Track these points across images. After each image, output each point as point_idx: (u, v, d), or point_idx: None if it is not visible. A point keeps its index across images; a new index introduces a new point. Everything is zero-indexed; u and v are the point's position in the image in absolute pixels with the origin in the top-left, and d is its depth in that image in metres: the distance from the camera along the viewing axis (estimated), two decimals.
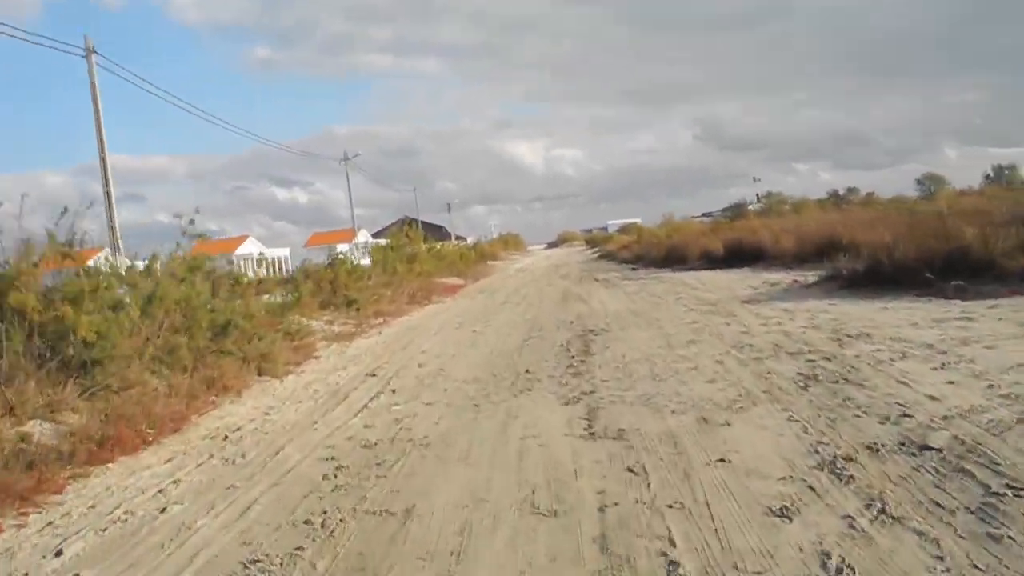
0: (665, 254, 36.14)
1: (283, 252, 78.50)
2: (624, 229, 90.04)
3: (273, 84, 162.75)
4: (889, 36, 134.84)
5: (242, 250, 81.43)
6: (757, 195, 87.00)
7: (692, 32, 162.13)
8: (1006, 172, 64.15)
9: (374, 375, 12.19)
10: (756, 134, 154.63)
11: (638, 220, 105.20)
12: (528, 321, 18.02)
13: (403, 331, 18.82)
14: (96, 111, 24.63)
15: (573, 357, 11.90)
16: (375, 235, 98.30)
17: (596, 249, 72.78)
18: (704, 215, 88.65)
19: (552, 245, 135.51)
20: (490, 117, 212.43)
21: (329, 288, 21.08)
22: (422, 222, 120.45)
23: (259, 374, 12.08)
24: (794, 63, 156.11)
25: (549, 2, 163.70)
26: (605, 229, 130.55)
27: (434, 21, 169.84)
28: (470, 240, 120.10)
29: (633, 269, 36.20)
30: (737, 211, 65.61)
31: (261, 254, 68.12)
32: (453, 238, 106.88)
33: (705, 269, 29.57)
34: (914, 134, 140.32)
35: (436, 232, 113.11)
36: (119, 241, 26.40)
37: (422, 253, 33.86)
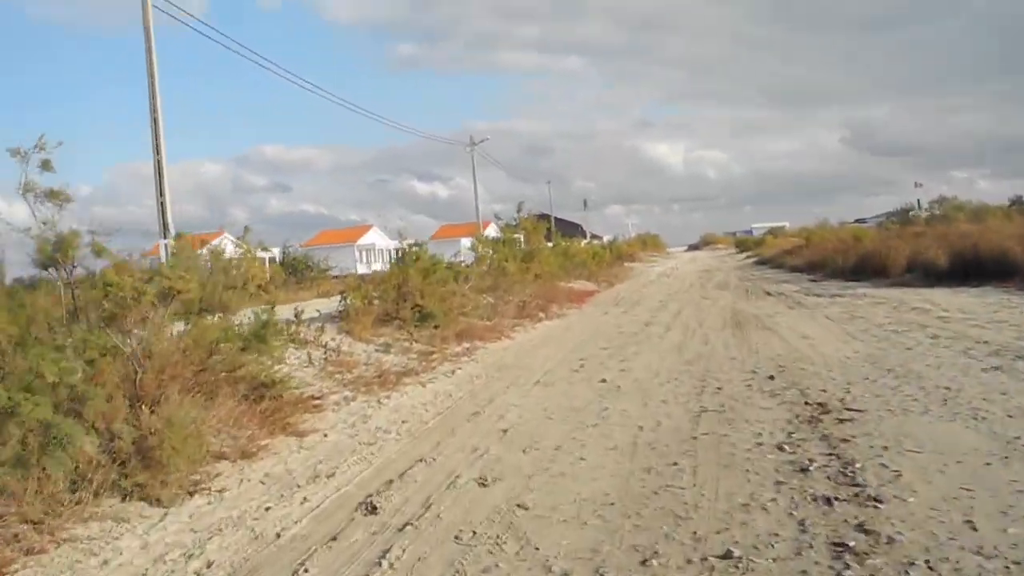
0: (856, 262, 28.09)
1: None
2: (774, 232, 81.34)
3: (417, 81, 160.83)
4: None
5: (364, 240, 77.61)
6: (918, 201, 78.60)
7: (839, 32, 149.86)
8: None
9: (372, 511, 5.59)
10: (907, 139, 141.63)
11: (786, 224, 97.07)
12: (691, 365, 11.13)
13: (489, 370, 12.20)
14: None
15: (831, 506, 4.95)
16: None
17: (749, 253, 64.40)
18: (857, 221, 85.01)
19: (694, 247, 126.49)
20: (630, 117, 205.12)
21: (395, 295, 14.71)
22: (557, 219, 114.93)
23: None
24: (947, 66, 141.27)
25: (692, 0, 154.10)
26: (750, 232, 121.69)
27: (578, 19, 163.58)
28: (605, 239, 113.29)
29: (813, 281, 28.33)
30: (904, 217, 58.94)
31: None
32: (588, 236, 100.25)
33: (922, 285, 21.72)
34: None
35: (571, 229, 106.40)
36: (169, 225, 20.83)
37: (543, 250, 27.27)
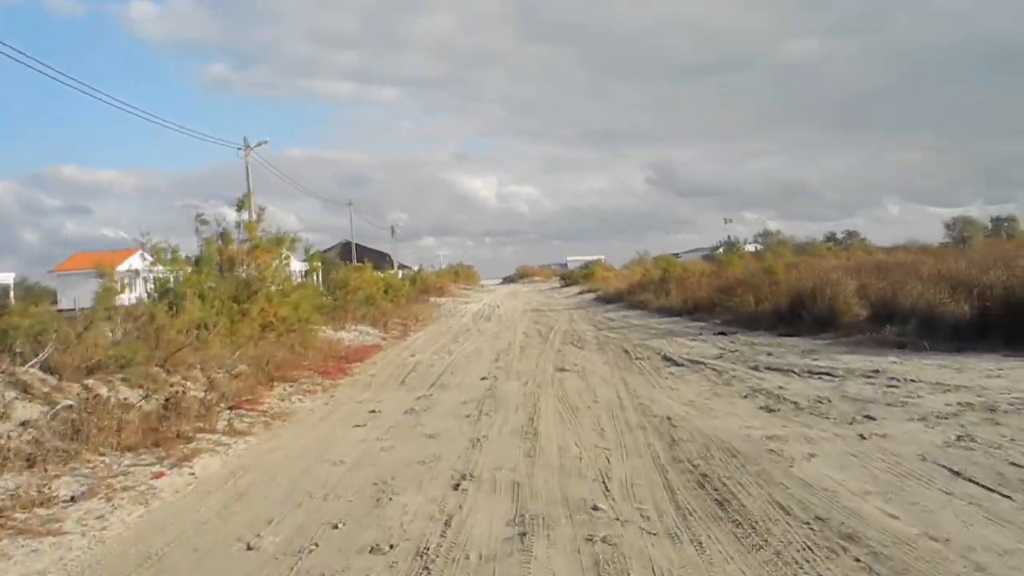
0: (787, 306, 18.46)
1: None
2: (590, 266, 73.78)
3: (231, 106, 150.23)
4: (842, 92, 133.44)
5: (127, 265, 64.53)
6: (728, 237, 76.50)
7: (650, 79, 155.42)
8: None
9: None
10: (707, 181, 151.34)
11: (602, 257, 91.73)
12: None
13: None
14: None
15: None
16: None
17: (579, 288, 55.09)
18: (673, 255, 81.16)
19: (509, 280, 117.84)
20: (446, 149, 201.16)
21: None
22: (365, 248, 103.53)
23: None
24: (748, 114, 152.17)
25: (513, 40, 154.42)
26: (564, 265, 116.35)
27: (397, 51, 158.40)
28: (415, 269, 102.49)
29: (722, 334, 18.18)
30: (728, 251, 56.90)
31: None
32: (396, 266, 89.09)
33: (943, 349, 12.11)
34: (859, 189, 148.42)
35: (379, 259, 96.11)
36: None
37: (268, 283, 15.34)
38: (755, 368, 12.30)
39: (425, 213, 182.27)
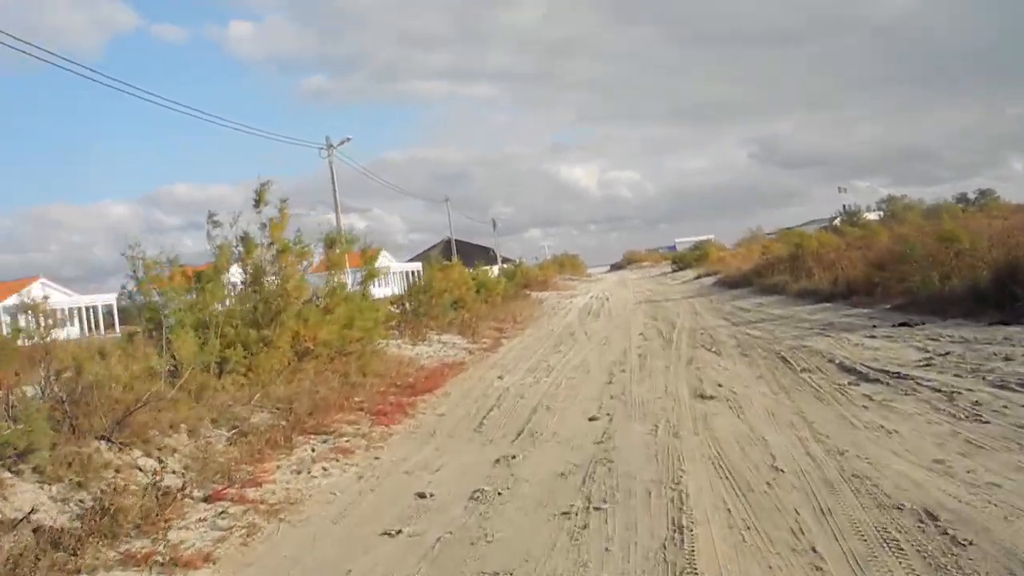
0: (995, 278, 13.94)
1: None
2: (700, 246, 68.83)
3: (328, 113, 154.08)
4: (946, 49, 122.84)
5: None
6: (844, 206, 68.70)
7: (741, 49, 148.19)
8: None
9: None
10: (812, 151, 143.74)
11: (711, 237, 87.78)
12: None
13: None
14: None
15: None
16: (412, 259, 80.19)
17: (694, 271, 50.47)
18: (772, 233, 76.02)
19: (616, 267, 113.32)
20: (543, 141, 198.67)
21: None
22: (467, 243, 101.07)
23: None
24: (848, 79, 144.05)
25: (597, 24, 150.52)
26: (673, 248, 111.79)
27: (485, 47, 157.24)
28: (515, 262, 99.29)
29: (902, 325, 13.75)
30: (850, 220, 54.66)
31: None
32: (499, 261, 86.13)
33: None
34: (977, 148, 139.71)
35: (483, 254, 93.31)
36: None
37: (294, 298, 11.78)
38: (1002, 385, 8.07)
39: (528, 206, 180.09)
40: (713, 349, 14.04)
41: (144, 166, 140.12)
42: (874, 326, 14.17)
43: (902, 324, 13.81)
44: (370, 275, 15.40)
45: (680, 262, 61.18)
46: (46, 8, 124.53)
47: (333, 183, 49.98)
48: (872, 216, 60.56)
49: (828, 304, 19.08)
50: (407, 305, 24.15)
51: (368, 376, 12.88)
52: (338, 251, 15.31)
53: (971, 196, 68.53)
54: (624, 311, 26.32)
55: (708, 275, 41.32)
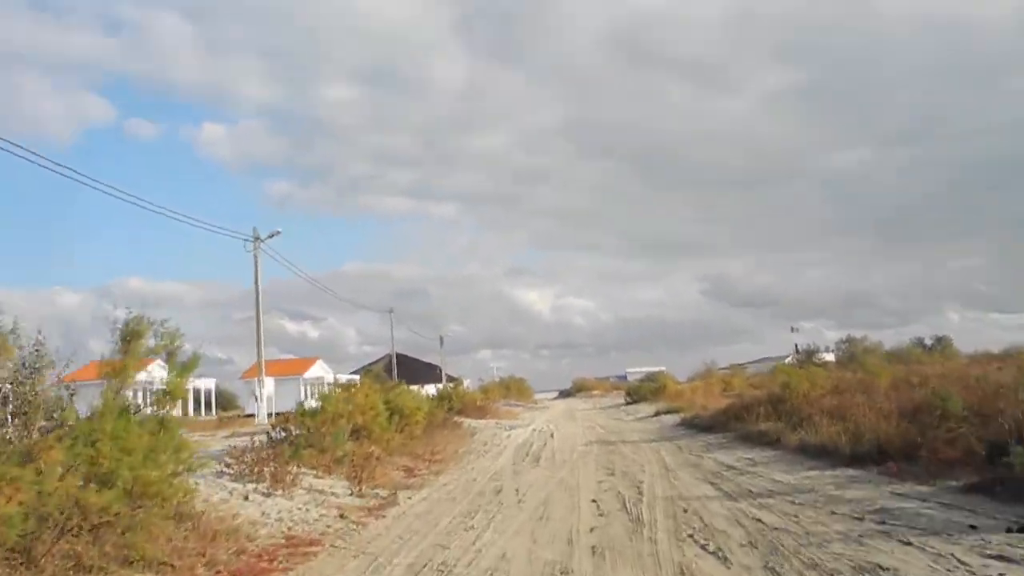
0: None
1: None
2: (653, 377, 64.31)
3: (293, 221, 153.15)
4: (894, 201, 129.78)
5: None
6: (797, 346, 69.74)
7: (703, 190, 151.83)
8: None
9: None
10: (762, 291, 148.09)
11: (663, 368, 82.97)
12: None
13: None
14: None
15: None
16: (355, 372, 75.01)
17: (644, 405, 45.04)
18: (727, 367, 73.35)
19: (565, 394, 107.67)
20: (501, 263, 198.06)
21: None
22: (412, 359, 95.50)
23: None
24: (800, 224, 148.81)
25: (564, 156, 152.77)
26: (624, 377, 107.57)
27: (452, 169, 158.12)
28: (466, 383, 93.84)
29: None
30: (808, 359, 52.90)
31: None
32: (444, 379, 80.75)
33: None
34: (917, 297, 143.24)
35: (428, 372, 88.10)
36: None
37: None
38: None
39: (481, 326, 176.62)
40: (713, 550, 8.57)
41: (100, 257, 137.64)
42: (972, 526, 8.81)
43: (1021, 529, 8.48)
44: (170, 392, 9.66)
45: (635, 394, 55.83)
46: (24, 94, 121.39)
47: (256, 279, 44.53)
48: (828, 356, 57.06)
49: (853, 471, 13.72)
50: (285, 432, 18.35)
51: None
52: (134, 349, 9.72)
53: (927, 342, 65.90)
54: (571, 456, 20.69)
55: (667, 412, 35.90)
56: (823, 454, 15.69)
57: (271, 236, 42.99)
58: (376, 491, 14.62)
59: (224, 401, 71.42)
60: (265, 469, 14.16)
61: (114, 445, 8.25)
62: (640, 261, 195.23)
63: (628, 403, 53.91)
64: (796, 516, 10.25)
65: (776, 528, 9.58)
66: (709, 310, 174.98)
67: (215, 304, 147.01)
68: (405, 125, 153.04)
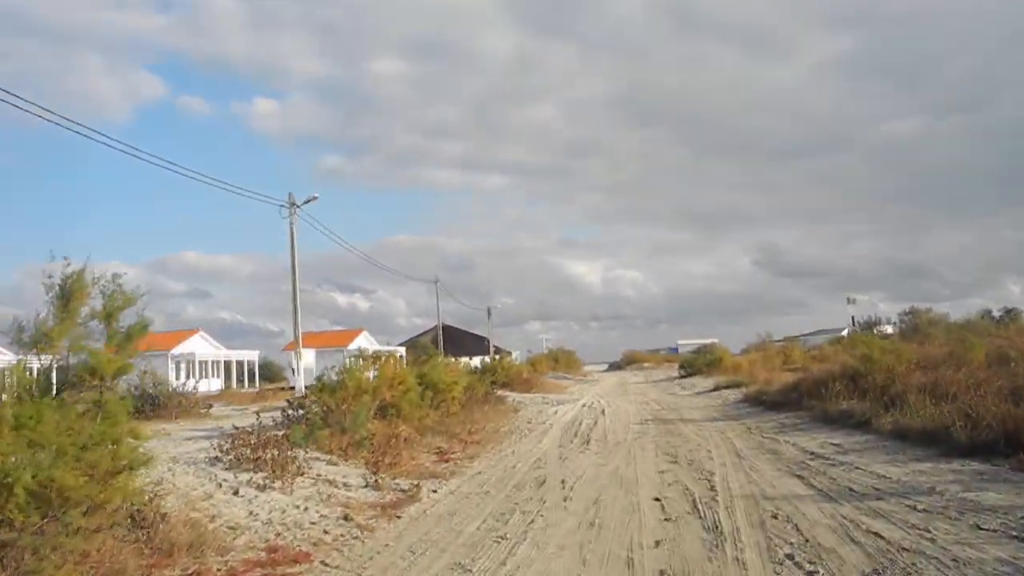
0: None
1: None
2: (706, 350, 61.36)
3: (342, 194, 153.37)
4: (947, 171, 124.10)
5: (183, 348, 59.46)
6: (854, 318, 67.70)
7: (751, 159, 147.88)
8: None
9: None
10: (813, 263, 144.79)
11: (715, 340, 79.47)
12: None
13: None
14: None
15: None
16: (403, 344, 74.85)
17: (707, 378, 42.39)
18: (785, 339, 70.53)
19: (615, 366, 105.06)
20: (550, 235, 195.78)
21: None
22: (459, 331, 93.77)
23: None
24: (849, 195, 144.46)
25: (612, 126, 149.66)
26: (675, 350, 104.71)
27: (501, 141, 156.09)
28: (515, 355, 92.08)
29: None
30: (868, 330, 52.13)
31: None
32: (491, 350, 78.74)
33: None
34: (975, 268, 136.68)
35: (477, 343, 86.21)
36: None
37: None
38: None
39: (530, 298, 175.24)
40: None
41: (155, 232, 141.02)
42: None
43: None
44: (96, 369, 7.42)
45: (689, 367, 53.08)
46: (78, 72, 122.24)
47: (292, 245, 42.43)
48: (888, 329, 53.90)
49: (977, 464, 11.13)
50: (302, 409, 16.30)
51: None
52: (71, 312, 7.58)
53: (996, 314, 62.22)
54: (626, 437, 18.35)
55: (728, 386, 33.26)
56: (929, 441, 13.08)
57: (308, 201, 40.82)
58: (397, 481, 12.46)
59: (271, 373, 70.62)
60: (267, 454, 12.09)
61: (16, 438, 6.13)
62: (690, 232, 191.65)
63: (682, 376, 51.24)
64: (927, 530, 7.80)
65: (906, 548, 7.16)
66: (760, 281, 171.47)
67: (266, 276, 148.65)
68: (454, 98, 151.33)
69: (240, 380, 62.10)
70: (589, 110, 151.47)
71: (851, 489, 10.22)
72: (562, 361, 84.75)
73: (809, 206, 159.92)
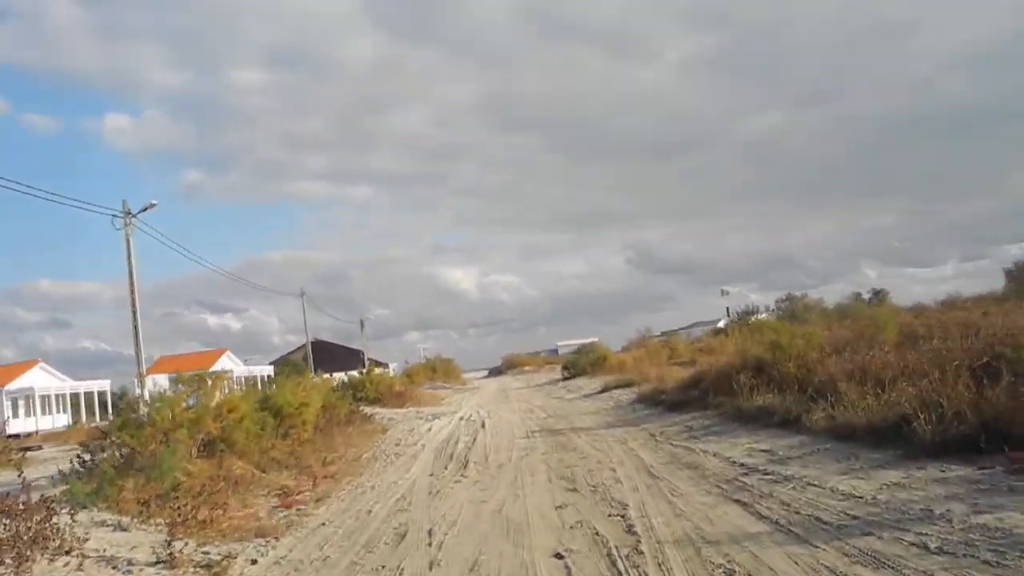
0: None
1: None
2: (585, 350, 59.63)
3: (207, 210, 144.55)
4: (807, 163, 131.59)
5: (20, 383, 53.00)
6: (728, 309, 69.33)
7: (623, 160, 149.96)
8: None
9: None
10: (685, 258, 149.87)
11: (595, 339, 78.12)
12: None
13: None
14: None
15: None
16: (273, 363, 72.21)
17: (593, 379, 39.95)
18: (663, 335, 72.69)
19: (495, 372, 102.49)
20: (423, 243, 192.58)
21: None
22: (337, 345, 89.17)
23: None
24: (717, 191, 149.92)
25: (481, 131, 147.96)
26: (555, 351, 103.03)
27: (367, 150, 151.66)
28: (391, 367, 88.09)
29: None
30: (744, 320, 50.46)
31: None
32: (365, 364, 74.56)
33: None
34: (835, 256, 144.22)
35: (352, 357, 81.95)
36: None
37: None
38: None
39: (407, 308, 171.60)
40: None
41: (5, 259, 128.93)
42: None
43: None
44: None
45: (572, 368, 50.73)
46: None
47: (129, 259, 37.37)
48: (763, 317, 53.52)
49: (962, 469, 8.64)
50: (96, 456, 12.57)
51: None
52: None
53: (865, 296, 63.32)
54: (511, 456, 15.32)
55: (618, 386, 30.86)
56: (880, 441, 10.62)
57: (144, 210, 35.98)
58: (206, 550, 9.04)
59: (131, 404, 64.44)
60: (7, 532, 8.42)
61: None
62: (564, 234, 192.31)
63: (566, 378, 48.85)
64: None
65: None
66: (634, 280, 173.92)
67: (128, 302, 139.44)
68: (318, 108, 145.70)
69: (92, 413, 55.83)
70: (457, 115, 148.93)
71: (819, 519, 7.51)
72: (440, 370, 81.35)
73: (680, 203, 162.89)
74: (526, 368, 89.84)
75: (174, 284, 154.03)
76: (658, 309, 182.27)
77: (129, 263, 36.43)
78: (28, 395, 51.65)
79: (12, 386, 51.19)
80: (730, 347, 31.22)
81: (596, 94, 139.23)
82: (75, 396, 56.74)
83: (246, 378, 58.71)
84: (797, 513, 7.87)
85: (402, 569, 7.50)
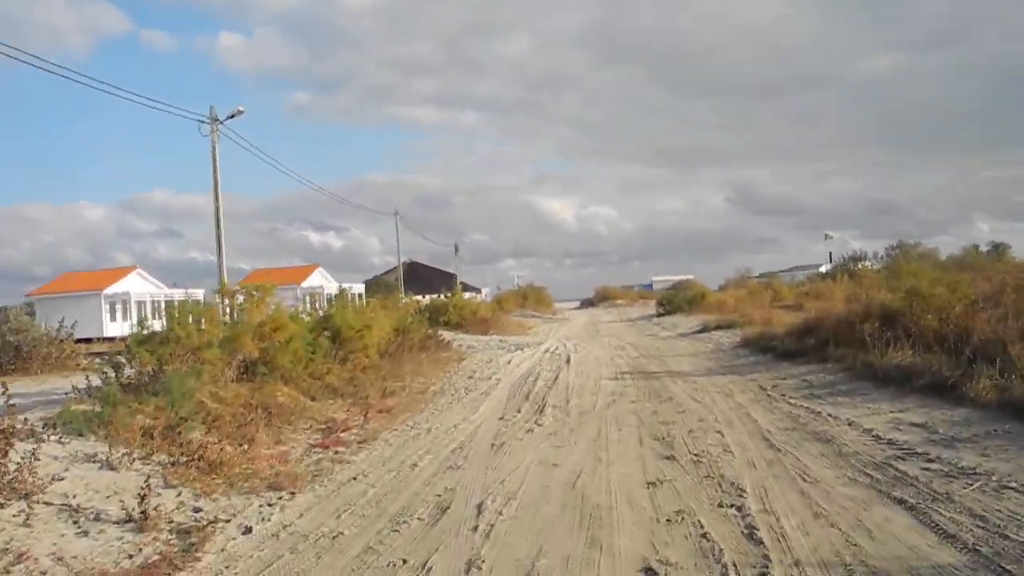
0: None
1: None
2: (681, 286, 56.86)
3: (310, 131, 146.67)
4: (925, 110, 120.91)
5: (116, 288, 52.21)
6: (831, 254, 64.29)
7: (725, 97, 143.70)
8: None
9: None
10: (786, 201, 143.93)
11: (691, 277, 74.95)
12: None
13: None
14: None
15: None
16: (366, 282, 69.56)
17: (689, 317, 37.27)
18: (762, 276, 68.34)
19: (588, 303, 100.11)
20: (524, 172, 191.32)
21: None
22: (430, 268, 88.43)
23: None
24: (825, 133, 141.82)
25: (586, 62, 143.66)
26: (649, 287, 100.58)
27: (474, 75, 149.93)
28: (483, 292, 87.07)
29: None
30: (851, 267, 46.52)
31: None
32: (459, 287, 73.35)
33: None
34: (947, 207, 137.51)
35: (446, 280, 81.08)
36: None
37: None
38: None
39: (505, 236, 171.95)
40: None
41: (123, 171, 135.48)
42: None
43: None
44: None
45: (668, 304, 47.90)
46: (35, 5, 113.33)
47: (214, 165, 36.12)
48: (869, 265, 49.52)
49: None
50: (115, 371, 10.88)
51: None
52: None
53: (983, 248, 58.22)
54: (595, 403, 13.11)
55: (718, 327, 28.16)
56: None
57: (231, 117, 34.59)
58: (196, 505, 7.18)
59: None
60: None
61: None
62: (663, 169, 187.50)
63: (661, 314, 46.11)
64: None
65: None
66: (733, 219, 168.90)
67: (238, 216, 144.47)
68: (427, 31, 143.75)
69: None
70: (563, 45, 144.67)
71: None
72: (531, 298, 79.42)
73: (784, 144, 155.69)
74: (619, 301, 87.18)
75: (279, 202, 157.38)
76: (756, 250, 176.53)
77: (214, 169, 35.15)
78: (124, 300, 51.98)
79: (110, 290, 51.48)
80: (839, 293, 28.36)
81: (705, 28, 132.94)
82: (170, 303, 57.25)
83: (336, 295, 58.33)
84: (1003, 536, 5.40)
85: (429, 568, 5.41)
